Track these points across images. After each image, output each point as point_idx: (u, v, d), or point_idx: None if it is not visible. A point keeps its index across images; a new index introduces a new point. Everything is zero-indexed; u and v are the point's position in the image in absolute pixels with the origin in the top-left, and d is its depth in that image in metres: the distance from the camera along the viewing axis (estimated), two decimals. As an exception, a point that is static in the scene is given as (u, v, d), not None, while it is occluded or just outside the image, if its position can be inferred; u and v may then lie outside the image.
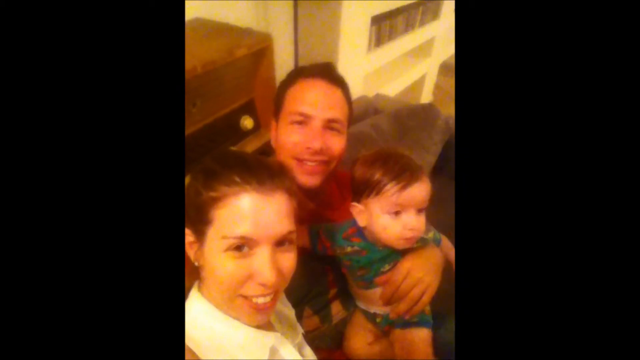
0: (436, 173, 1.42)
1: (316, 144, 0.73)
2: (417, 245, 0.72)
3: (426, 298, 0.70)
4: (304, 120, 0.75)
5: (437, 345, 0.73)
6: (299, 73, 0.80)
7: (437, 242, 0.79)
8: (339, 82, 0.79)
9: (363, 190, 0.68)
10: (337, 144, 0.77)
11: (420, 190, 0.66)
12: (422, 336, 0.72)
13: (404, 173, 0.65)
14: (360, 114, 1.53)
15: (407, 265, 0.71)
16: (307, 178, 0.76)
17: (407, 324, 0.73)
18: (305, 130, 0.75)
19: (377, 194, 0.66)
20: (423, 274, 0.70)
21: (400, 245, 0.68)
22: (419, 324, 0.73)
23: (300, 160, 0.75)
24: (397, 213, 0.66)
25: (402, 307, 0.71)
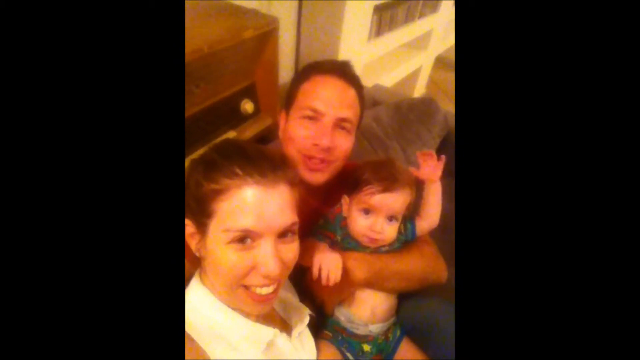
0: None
1: (325, 142, 0.72)
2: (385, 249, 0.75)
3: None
4: (315, 116, 0.73)
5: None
6: (315, 68, 0.78)
7: (411, 236, 0.79)
8: (354, 82, 0.77)
9: (352, 185, 0.73)
10: (345, 144, 0.75)
11: (394, 200, 0.70)
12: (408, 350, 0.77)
13: (385, 180, 0.69)
14: (359, 104, 1.52)
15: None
16: (312, 175, 0.75)
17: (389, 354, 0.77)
18: (315, 126, 0.73)
19: (359, 191, 0.71)
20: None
21: (364, 242, 0.73)
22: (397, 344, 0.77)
23: (306, 156, 0.74)
24: (367, 212, 0.71)
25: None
